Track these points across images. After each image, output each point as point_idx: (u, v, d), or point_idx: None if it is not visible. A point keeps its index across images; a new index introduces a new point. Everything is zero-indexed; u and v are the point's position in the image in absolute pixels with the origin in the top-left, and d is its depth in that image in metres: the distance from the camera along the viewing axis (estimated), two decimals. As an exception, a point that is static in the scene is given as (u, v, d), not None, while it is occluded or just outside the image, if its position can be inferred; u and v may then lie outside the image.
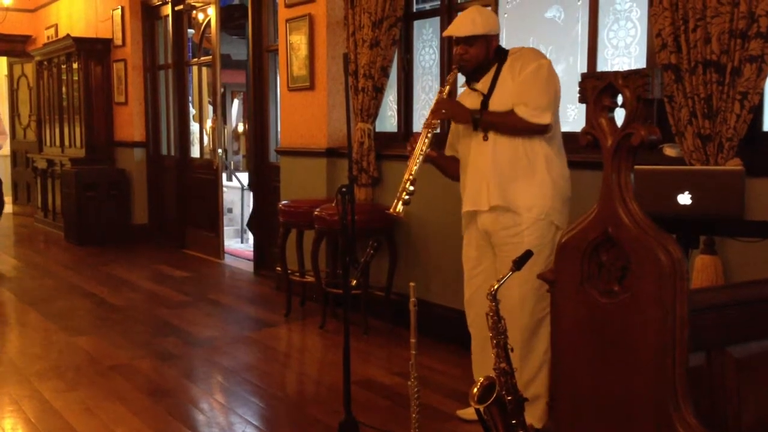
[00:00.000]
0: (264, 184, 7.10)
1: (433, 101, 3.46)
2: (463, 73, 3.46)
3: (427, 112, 3.51)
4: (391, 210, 3.34)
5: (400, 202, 3.31)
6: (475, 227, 3.48)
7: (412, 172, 3.32)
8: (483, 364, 3.48)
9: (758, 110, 3.35)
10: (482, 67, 3.40)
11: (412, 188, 3.31)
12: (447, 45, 5.05)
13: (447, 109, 3.38)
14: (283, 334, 5.33)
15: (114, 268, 7.61)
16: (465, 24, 3.36)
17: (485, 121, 3.33)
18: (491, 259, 3.46)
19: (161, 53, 9.06)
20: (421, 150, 3.34)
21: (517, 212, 3.31)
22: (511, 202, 3.32)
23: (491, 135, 3.35)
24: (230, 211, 10.03)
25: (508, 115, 3.29)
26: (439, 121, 3.39)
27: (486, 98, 3.38)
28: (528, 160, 3.31)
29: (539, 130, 3.28)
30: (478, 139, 3.39)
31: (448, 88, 3.44)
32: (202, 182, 8.26)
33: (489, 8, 4.22)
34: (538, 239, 3.27)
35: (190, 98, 8.76)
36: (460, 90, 3.62)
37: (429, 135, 3.37)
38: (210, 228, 8.17)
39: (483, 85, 3.42)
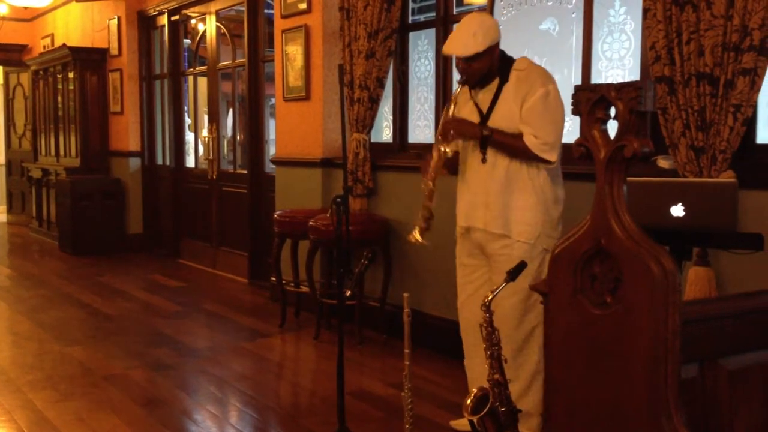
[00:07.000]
0: (259, 194, 7.10)
1: (441, 121, 3.39)
2: (468, 86, 3.38)
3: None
4: (411, 238, 3.44)
5: (419, 230, 3.43)
6: (469, 238, 3.48)
7: (430, 201, 3.39)
8: (474, 370, 3.50)
9: (751, 123, 3.37)
10: (486, 76, 3.33)
11: (429, 215, 3.42)
12: (442, 57, 5.06)
13: (455, 129, 3.31)
14: (278, 345, 5.32)
15: (108, 278, 7.59)
16: (465, 41, 3.21)
17: (494, 141, 3.26)
18: (484, 269, 3.45)
19: (157, 63, 9.08)
20: (433, 177, 3.36)
21: (508, 236, 3.31)
22: (503, 228, 3.31)
23: (490, 158, 3.30)
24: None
25: (517, 140, 3.21)
26: (449, 146, 3.35)
27: (485, 118, 3.32)
28: (523, 184, 3.28)
29: (543, 163, 3.25)
30: (476, 159, 3.35)
31: (453, 106, 3.36)
32: (198, 192, 8.26)
33: (487, 13, 4.17)
34: (526, 255, 3.20)
35: (185, 108, 8.77)
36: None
37: (440, 161, 3.35)
38: (205, 238, 8.17)
39: (483, 98, 3.35)
